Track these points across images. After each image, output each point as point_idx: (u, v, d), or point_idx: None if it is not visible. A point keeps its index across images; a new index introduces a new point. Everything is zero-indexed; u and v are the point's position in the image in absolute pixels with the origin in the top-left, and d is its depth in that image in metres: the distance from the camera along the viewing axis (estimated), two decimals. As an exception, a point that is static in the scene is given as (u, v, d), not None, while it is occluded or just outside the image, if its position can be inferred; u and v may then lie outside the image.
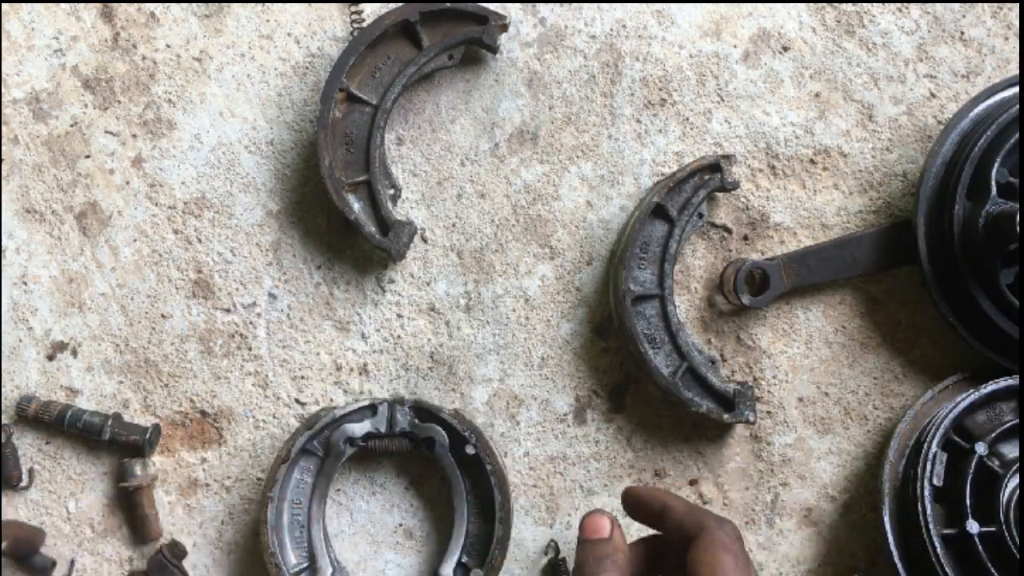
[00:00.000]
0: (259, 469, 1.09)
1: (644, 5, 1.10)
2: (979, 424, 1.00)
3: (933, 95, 1.10)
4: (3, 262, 1.10)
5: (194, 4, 1.11)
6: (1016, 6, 1.09)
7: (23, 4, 1.11)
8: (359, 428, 1.02)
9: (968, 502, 0.95)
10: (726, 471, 1.09)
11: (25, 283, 1.10)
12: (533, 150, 1.10)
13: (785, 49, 1.10)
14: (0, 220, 1.10)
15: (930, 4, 1.10)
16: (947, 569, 0.94)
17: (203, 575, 1.09)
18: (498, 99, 1.10)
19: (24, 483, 1.08)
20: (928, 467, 0.97)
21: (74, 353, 1.10)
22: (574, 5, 1.10)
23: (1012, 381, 1.00)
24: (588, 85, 1.10)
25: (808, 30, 1.10)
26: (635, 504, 0.84)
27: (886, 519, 1.00)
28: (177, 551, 1.06)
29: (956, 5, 1.10)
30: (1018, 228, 0.92)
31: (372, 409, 1.03)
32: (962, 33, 1.09)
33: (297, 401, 1.09)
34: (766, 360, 1.09)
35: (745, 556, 0.75)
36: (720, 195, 1.09)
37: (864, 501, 1.08)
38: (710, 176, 1.05)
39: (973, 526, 0.94)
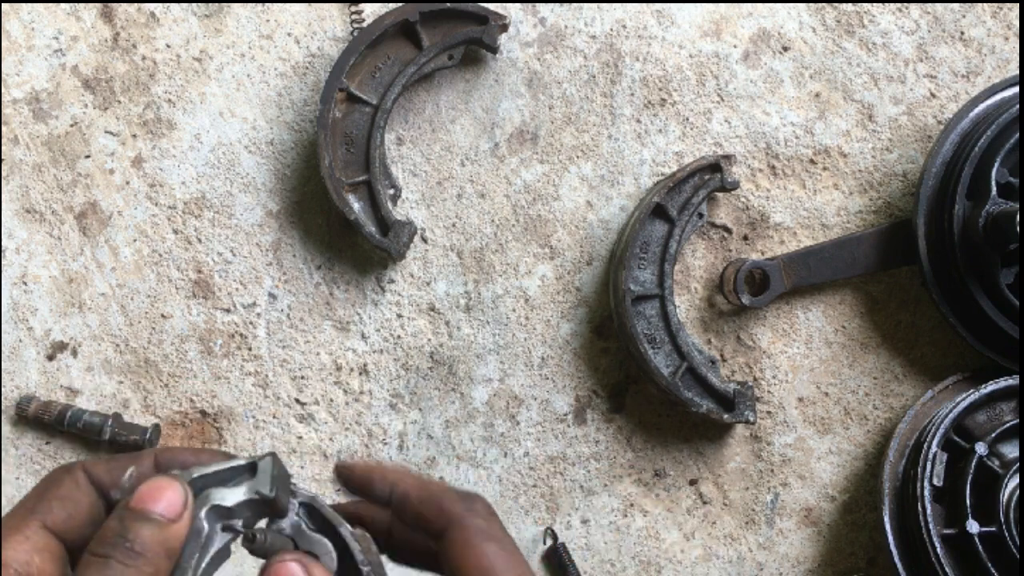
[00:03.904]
0: (259, 469, 1.09)
1: (644, 5, 1.10)
2: (979, 424, 1.00)
3: (933, 95, 1.10)
4: (3, 262, 1.10)
5: (194, 4, 1.11)
6: (1016, 6, 1.09)
7: (23, 4, 1.11)
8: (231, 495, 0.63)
9: (968, 502, 0.95)
10: (726, 471, 1.09)
11: (25, 283, 1.10)
12: (533, 150, 1.10)
13: (785, 49, 1.10)
14: (0, 220, 1.10)
15: (930, 4, 1.10)
16: (947, 569, 0.94)
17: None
18: (498, 99, 1.10)
19: None
20: (928, 467, 0.97)
21: (74, 353, 1.10)
22: (574, 5, 1.10)
23: (1012, 381, 1.00)
24: (588, 85, 1.10)
25: (808, 30, 1.10)
26: (352, 483, 0.65)
27: (886, 519, 1.00)
28: None
29: (956, 5, 1.10)
30: (1018, 228, 0.92)
31: (251, 468, 0.63)
32: (962, 33, 1.09)
33: (297, 401, 1.09)
34: (766, 360, 1.09)
35: (507, 534, 0.60)
36: (720, 195, 1.09)
37: (864, 501, 1.08)
38: (710, 176, 1.05)
39: (973, 526, 0.94)
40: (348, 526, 0.64)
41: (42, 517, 0.56)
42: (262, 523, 0.62)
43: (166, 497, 0.56)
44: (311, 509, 0.64)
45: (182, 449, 0.62)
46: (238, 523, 0.61)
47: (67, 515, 0.57)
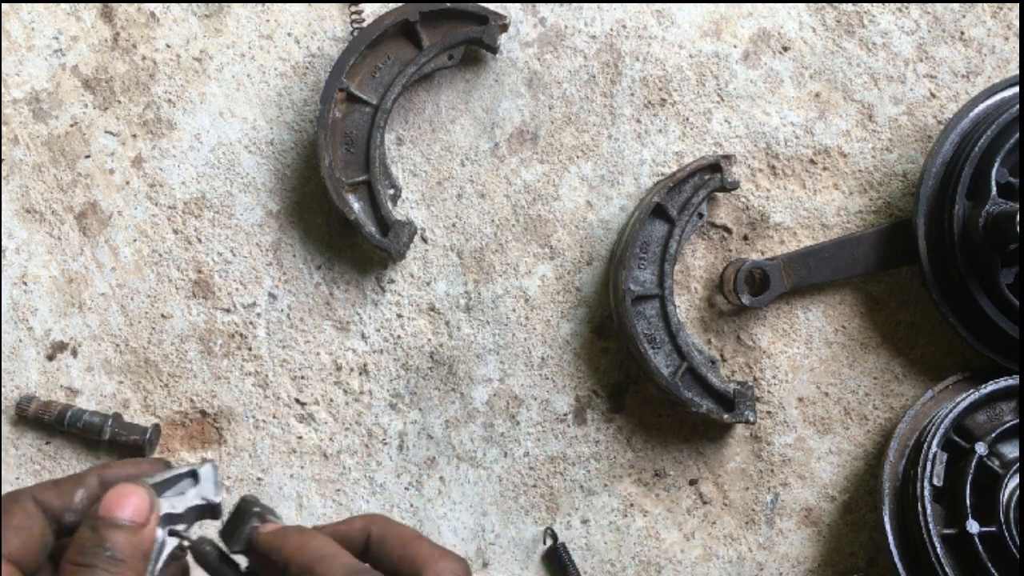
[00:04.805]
0: (259, 469, 1.09)
1: (644, 5, 1.10)
2: (979, 424, 1.00)
3: (933, 95, 1.10)
4: (3, 262, 1.10)
5: (194, 4, 1.11)
6: (1016, 6, 1.09)
7: (23, 4, 1.11)
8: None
9: (968, 502, 0.95)
10: (726, 471, 1.09)
11: (25, 283, 1.10)
12: (533, 150, 1.10)
13: (785, 49, 1.10)
14: (0, 220, 1.10)
15: (930, 4, 1.10)
16: (947, 569, 0.94)
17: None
18: (498, 99, 1.10)
19: None
20: (928, 467, 0.97)
21: (74, 353, 1.10)
22: (574, 5, 1.10)
23: (1012, 381, 1.00)
24: (588, 85, 1.10)
25: (808, 30, 1.10)
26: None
27: (886, 519, 1.00)
28: None
29: (956, 5, 1.10)
30: (1018, 228, 0.92)
31: (193, 475, 0.66)
32: (962, 33, 1.09)
33: (297, 401, 1.09)
34: (766, 360, 1.09)
35: None
36: (720, 195, 1.09)
37: (864, 501, 1.09)
38: (710, 176, 1.05)
39: (973, 526, 0.94)
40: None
41: (9, 552, 0.58)
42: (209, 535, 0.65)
43: (132, 503, 0.59)
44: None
45: (122, 463, 0.65)
46: (184, 527, 0.64)
47: (21, 543, 0.59)
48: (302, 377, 1.09)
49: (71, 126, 1.11)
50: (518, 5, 1.10)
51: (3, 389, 1.10)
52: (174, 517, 0.63)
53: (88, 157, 1.11)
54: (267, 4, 1.10)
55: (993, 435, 0.98)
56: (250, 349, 1.10)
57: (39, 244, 1.10)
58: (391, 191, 1.07)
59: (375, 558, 0.62)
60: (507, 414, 1.09)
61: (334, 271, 1.10)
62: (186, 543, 0.64)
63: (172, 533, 0.64)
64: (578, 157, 1.10)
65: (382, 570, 0.61)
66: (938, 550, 0.94)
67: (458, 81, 1.10)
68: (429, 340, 1.10)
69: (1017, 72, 1.06)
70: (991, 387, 1.00)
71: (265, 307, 1.10)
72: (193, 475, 0.65)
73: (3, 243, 1.10)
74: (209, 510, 0.65)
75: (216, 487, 0.65)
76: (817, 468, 1.09)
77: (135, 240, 1.10)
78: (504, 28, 1.05)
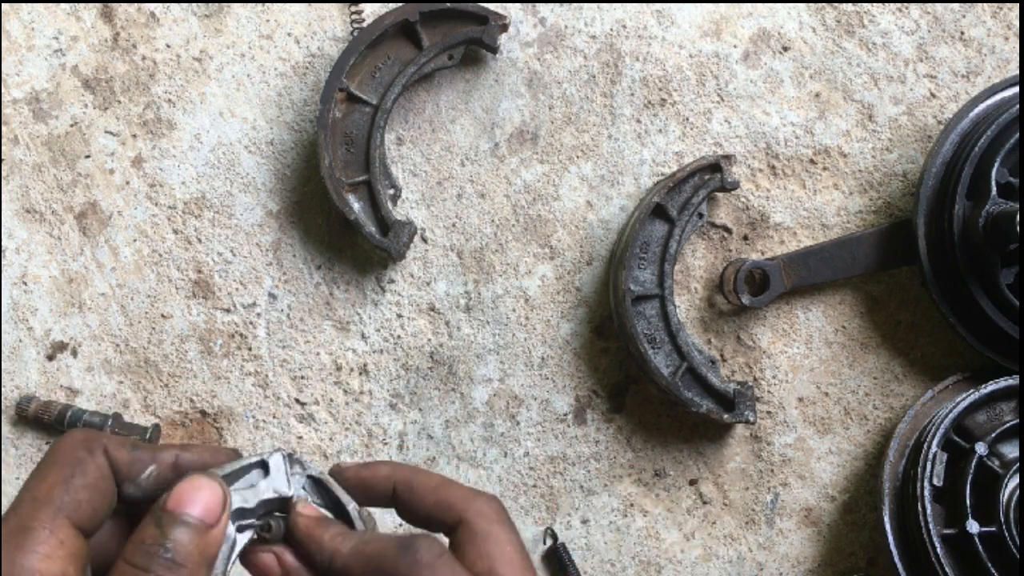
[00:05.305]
0: (259, 469, 1.09)
1: (644, 5, 1.10)
2: (979, 424, 1.01)
3: (933, 95, 1.10)
4: (3, 262, 1.10)
5: (194, 4, 1.11)
6: (1016, 6, 1.09)
7: (23, 4, 1.11)
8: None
9: (968, 502, 0.95)
10: (726, 471, 1.09)
11: (25, 283, 1.10)
12: (533, 150, 1.10)
13: (785, 49, 1.10)
14: (0, 220, 1.10)
15: (930, 4, 1.10)
16: (947, 569, 0.94)
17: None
18: (498, 99, 1.10)
19: None
20: (928, 467, 0.97)
21: (74, 353, 1.10)
22: (574, 5, 1.10)
23: (1012, 381, 1.00)
24: (588, 85, 1.10)
25: (808, 30, 1.10)
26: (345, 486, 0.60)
27: (886, 519, 1.00)
28: None
29: (956, 5, 1.10)
30: (1018, 228, 0.92)
31: (263, 466, 0.61)
32: (962, 33, 1.09)
33: (297, 401, 1.09)
34: (766, 360, 1.09)
35: (517, 537, 0.57)
36: (720, 195, 1.09)
37: (864, 501, 1.09)
38: (710, 176, 1.05)
39: (973, 526, 0.94)
40: (355, 504, 0.62)
41: (70, 513, 0.52)
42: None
43: (203, 499, 0.53)
44: (318, 484, 0.62)
45: (200, 448, 0.59)
46: (254, 521, 0.59)
47: (93, 510, 0.53)
48: (302, 377, 1.09)
49: (71, 126, 1.11)
50: (518, 5, 1.10)
51: (3, 389, 1.10)
52: (245, 512, 0.58)
53: (88, 157, 1.11)
54: (267, 4, 1.10)
55: (993, 435, 0.98)
56: (250, 349, 1.10)
57: (39, 244, 1.10)
58: (391, 191, 1.07)
59: (405, 505, 0.59)
60: (507, 414, 1.09)
61: (334, 271, 1.10)
62: (255, 536, 0.59)
63: (241, 529, 0.58)
64: (578, 157, 1.10)
65: (415, 518, 0.58)
66: (938, 550, 0.95)
67: (458, 81, 1.10)
68: (429, 340, 1.10)
69: (1017, 72, 1.06)
70: (991, 387, 1.00)
71: (265, 307, 1.10)
72: (263, 465, 0.59)
73: (3, 243, 1.10)
74: (280, 503, 0.59)
75: (288, 479, 0.59)
76: (817, 468, 1.09)
77: (135, 240, 1.10)
78: (504, 28, 1.05)
